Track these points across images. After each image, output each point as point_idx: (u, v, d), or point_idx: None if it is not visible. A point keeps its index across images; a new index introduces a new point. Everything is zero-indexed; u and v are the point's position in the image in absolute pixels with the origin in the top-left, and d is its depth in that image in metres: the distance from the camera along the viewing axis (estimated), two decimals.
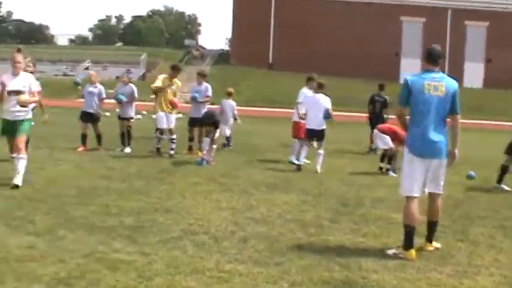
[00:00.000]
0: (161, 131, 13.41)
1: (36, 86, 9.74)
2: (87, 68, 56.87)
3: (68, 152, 13.32)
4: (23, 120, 9.20)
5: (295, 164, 12.53)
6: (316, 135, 12.53)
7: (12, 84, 9.06)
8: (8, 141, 9.44)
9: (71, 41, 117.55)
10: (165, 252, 5.87)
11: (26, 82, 9.17)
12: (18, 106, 9.01)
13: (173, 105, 13.40)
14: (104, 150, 13.86)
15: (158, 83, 13.23)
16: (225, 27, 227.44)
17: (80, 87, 14.59)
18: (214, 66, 55.15)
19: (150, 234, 6.51)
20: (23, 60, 9.46)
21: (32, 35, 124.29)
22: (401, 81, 7.27)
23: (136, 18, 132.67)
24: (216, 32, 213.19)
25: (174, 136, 13.46)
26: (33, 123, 9.93)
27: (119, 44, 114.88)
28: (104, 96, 14.20)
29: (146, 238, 6.34)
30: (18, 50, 10.82)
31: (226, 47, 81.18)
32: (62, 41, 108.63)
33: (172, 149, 13.37)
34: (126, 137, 14.35)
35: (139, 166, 11.76)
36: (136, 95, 14.55)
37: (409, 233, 6.24)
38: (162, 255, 5.76)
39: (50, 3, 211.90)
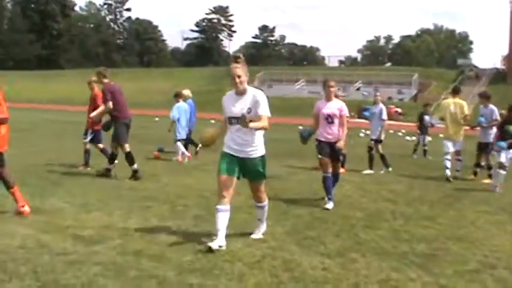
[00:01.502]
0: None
1: (266, 108, 6.68)
2: (358, 89, 58.17)
3: (351, 174, 13.63)
4: (257, 159, 6.81)
5: None
6: None
7: (233, 109, 6.73)
8: (221, 182, 6.64)
9: (341, 62, 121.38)
10: (464, 285, 5.55)
11: (249, 103, 6.65)
12: (243, 138, 6.71)
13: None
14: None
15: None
16: (499, 45, 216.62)
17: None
18: (491, 86, 52.32)
19: (444, 264, 6.22)
20: (244, 73, 6.70)
21: (303, 57, 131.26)
22: None
23: (405, 38, 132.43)
24: (489, 50, 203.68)
25: (460, 157, 13.64)
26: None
27: (388, 64, 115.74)
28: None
29: (441, 268, 6.06)
30: (236, 59, 6.95)
31: (501, 66, 76.95)
32: (332, 62, 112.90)
33: (457, 170, 13.50)
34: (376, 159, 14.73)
35: (422, 190, 11.57)
36: (384, 117, 14.57)
37: None
38: None
39: (321, 28, 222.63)
